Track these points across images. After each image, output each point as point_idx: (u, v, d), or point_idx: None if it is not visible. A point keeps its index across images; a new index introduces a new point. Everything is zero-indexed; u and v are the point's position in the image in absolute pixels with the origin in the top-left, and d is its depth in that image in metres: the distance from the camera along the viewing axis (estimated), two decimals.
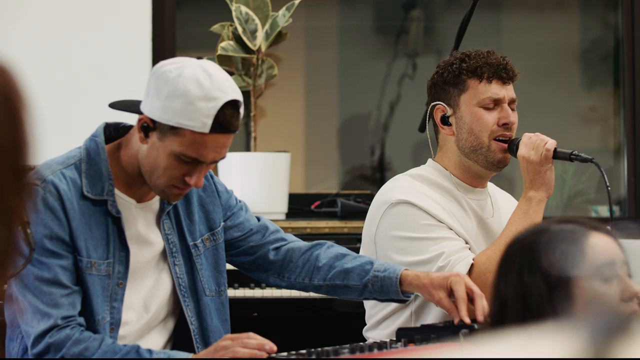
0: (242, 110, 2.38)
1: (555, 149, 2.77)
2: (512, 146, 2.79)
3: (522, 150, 2.76)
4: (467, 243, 2.74)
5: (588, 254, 1.80)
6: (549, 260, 1.77)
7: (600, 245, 1.81)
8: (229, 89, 2.34)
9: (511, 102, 2.82)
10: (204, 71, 2.34)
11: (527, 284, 1.76)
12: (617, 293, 1.81)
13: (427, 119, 2.90)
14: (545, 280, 1.76)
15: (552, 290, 1.76)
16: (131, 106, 2.45)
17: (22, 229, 2.19)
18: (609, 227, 1.85)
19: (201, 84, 2.31)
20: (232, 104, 2.34)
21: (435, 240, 2.69)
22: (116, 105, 2.51)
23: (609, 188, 2.78)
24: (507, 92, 2.81)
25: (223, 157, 2.39)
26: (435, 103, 2.84)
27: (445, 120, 2.83)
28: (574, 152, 2.79)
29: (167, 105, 2.32)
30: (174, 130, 2.33)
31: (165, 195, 2.43)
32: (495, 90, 2.79)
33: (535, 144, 2.76)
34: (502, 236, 2.72)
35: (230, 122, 2.34)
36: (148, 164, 2.40)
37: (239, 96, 2.36)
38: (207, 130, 2.32)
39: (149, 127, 2.37)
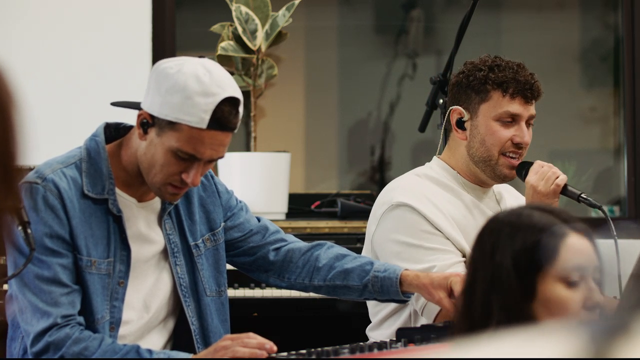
0: (241, 109, 2.37)
1: (565, 185, 2.76)
2: (522, 170, 2.77)
3: (531, 178, 2.75)
4: (464, 256, 2.72)
5: (561, 253, 1.78)
6: (521, 246, 1.75)
7: (576, 247, 1.79)
8: (228, 86, 2.34)
9: (529, 119, 2.79)
10: (204, 68, 2.34)
11: (498, 264, 1.75)
12: (580, 299, 1.79)
13: (442, 117, 2.88)
14: (515, 265, 1.75)
15: (519, 278, 1.75)
16: (132, 105, 2.46)
17: (22, 228, 2.20)
18: (588, 228, 1.83)
19: (200, 80, 2.32)
20: (230, 101, 2.34)
21: (430, 251, 2.67)
22: (118, 104, 2.52)
23: (616, 237, 2.72)
24: (527, 111, 2.77)
25: (221, 156, 2.38)
26: (453, 106, 2.82)
27: (460, 124, 2.81)
28: (582, 195, 2.77)
29: (166, 100, 2.33)
30: (171, 125, 2.33)
31: (161, 194, 2.42)
32: (516, 107, 2.76)
33: (546, 175, 2.74)
34: None
35: (228, 119, 2.33)
36: (146, 161, 2.40)
37: (238, 94, 2.36)
38: (204, 125, 2.32)
39: (147, 123, 2.37)
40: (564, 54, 5.15)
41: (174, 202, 2.52)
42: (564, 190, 2.76)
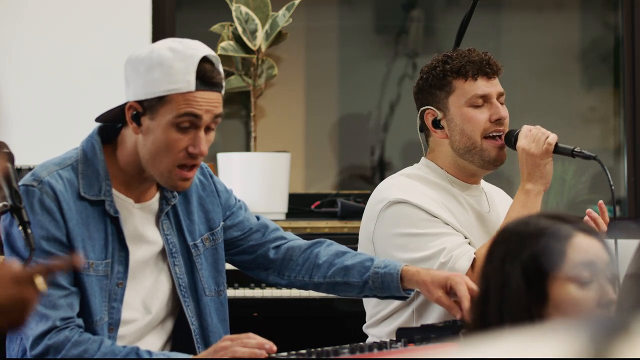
0: (221, 68, 2.40)
1: (556, 143, 2.77)
2: (510, 138, 2.79)
3: (522, 142, 2.76)
4: (465, 238, 2.74)
5: (568, 254, 1.78)
6: (529, 253, 1.77)
7: (582, 246, 1.80)
8: (201, 48, 2.38)
9: (499, 96, 2.82)
10: (174, 40, 2.40)
11: (507, 273, 1.77)
12: (593, 298, 1.79)
13: (418, 123, 2.89)
14: (524, 273, 1.76)
15: (529, 285, 1.76)
16: (115, 109, 2.43)
17: (23, 229, 2.19)
18: (598, 229, 1.85)
19: (174, 49, 2.36)
20: (209, 60, 2.36)
21: (436, 236, 2.69)
22: (101, 118, 2.48)
23: (613, 187, 2.76)
24: (493, 87, 2.81)
25: (220, 114, 2.38)
26: (424, 108, 2.84)
27: (437, 124, 2.83)
28: (576, 149, 2.78)
29: (147, 79, 2.34)
30: (162, 100, 2.34)
31: (172, 182, 2.40)
32: (482, 87, 2.79)
33: (536, 137, 2.76)
34: None
35: (212, 76, 2.36)
36: (148, 151, 2.39)
37: (214, 54, 2.39)
38: (192, 88, 2.34)
39: (138, 112, 2.37)
40: (564, 54, 5.14)
41: (185, 189, 2.47)
42: (557, 149, 2.77)
